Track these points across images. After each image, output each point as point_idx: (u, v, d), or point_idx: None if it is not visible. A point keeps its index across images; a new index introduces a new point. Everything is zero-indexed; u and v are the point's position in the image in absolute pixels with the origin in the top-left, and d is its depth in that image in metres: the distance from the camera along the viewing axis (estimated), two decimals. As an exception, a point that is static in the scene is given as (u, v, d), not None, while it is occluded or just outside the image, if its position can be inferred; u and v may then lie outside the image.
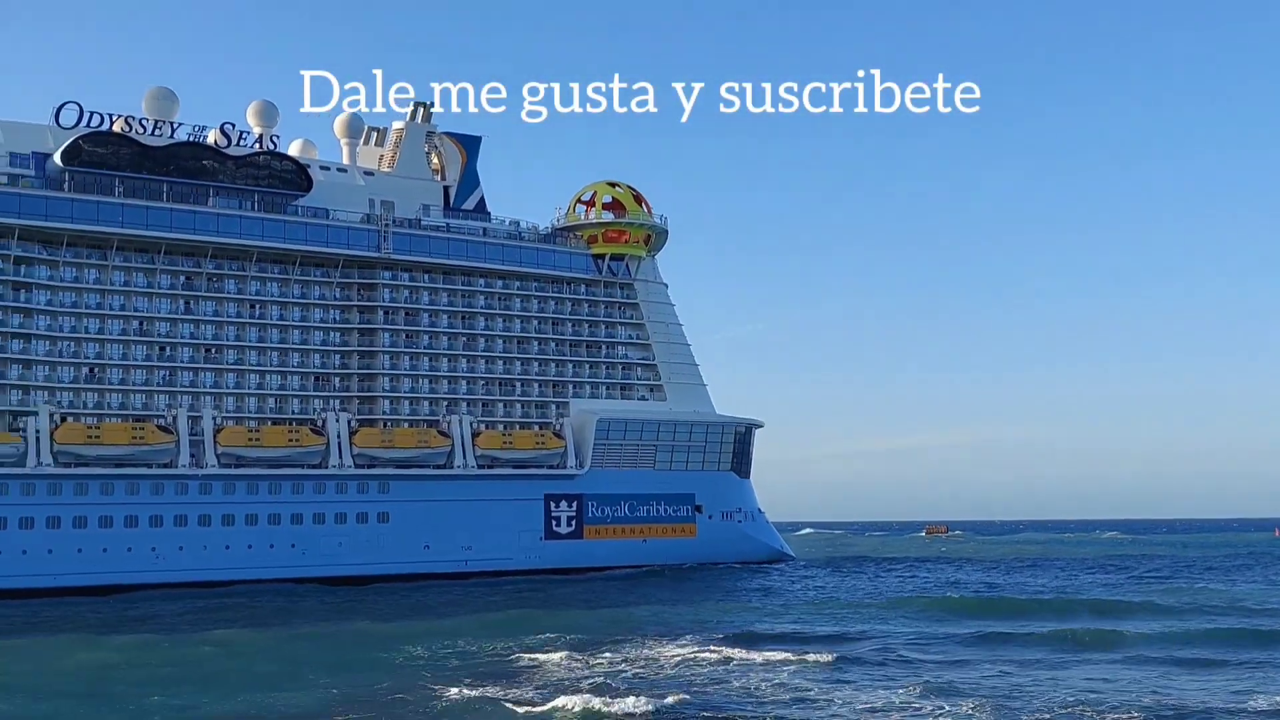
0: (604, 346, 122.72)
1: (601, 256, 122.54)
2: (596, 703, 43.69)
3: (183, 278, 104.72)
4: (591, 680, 49.19)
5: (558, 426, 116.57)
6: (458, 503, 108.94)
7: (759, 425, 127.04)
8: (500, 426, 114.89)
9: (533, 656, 56.06)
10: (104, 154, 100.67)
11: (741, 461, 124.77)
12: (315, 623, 73.52)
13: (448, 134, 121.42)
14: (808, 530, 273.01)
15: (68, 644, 62.48)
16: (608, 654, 56.93)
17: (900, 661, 55.02)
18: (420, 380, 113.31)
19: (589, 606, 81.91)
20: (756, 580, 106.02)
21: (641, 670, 52.34)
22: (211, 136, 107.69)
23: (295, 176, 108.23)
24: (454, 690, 47.30)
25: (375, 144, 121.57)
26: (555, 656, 55.61)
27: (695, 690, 47.05)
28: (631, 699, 44.35)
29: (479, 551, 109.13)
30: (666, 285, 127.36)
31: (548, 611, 77.15)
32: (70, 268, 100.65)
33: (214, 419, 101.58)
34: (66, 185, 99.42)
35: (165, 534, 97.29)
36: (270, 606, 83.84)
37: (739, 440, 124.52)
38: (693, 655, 56.04)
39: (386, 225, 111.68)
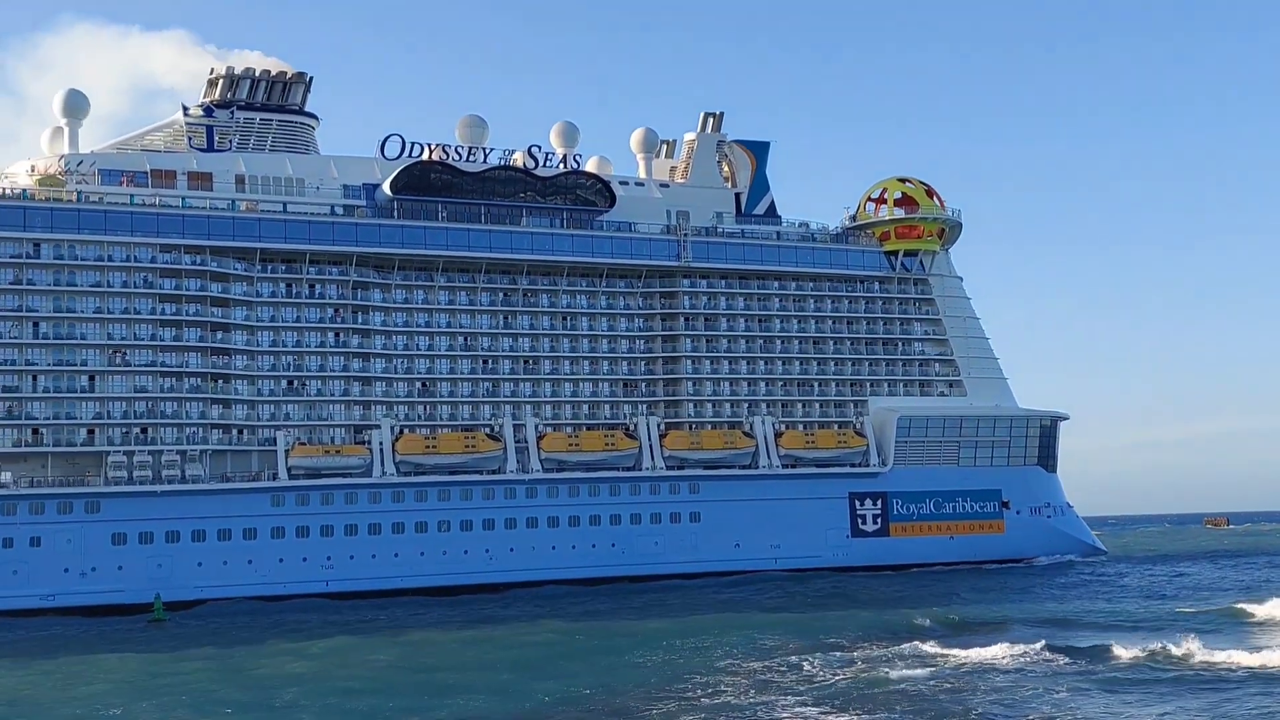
0: (900, 343, 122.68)
1: (894, 253, 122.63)
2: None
3: (501, 294, 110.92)
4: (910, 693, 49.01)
5: (858, 425, 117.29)
6: (765, 502, 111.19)
7: (1064, 418, 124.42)
8: (800, 426, 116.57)
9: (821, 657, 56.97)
10: (427, 182, 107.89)
11: (1048, 455, 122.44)
12: (628, 618, 77.43)
13: (737, 142, 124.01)
14: None
15: (433, 639, 68.12)
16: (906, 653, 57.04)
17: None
18: (721, 383, 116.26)
19: (912, 604, 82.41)
20: (1076, 577, 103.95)
21: (959, 677, 51.60)
22: (519, 159, 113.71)
23: (601, 193, 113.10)
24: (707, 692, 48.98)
25: (666, 156, 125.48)
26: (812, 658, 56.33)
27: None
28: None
29: (787, 549, 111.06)
30: (961, 279, 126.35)
31: (851, 611, 78.36)
32: (401, 290, 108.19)
33: (536, 426, 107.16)
34: (395, 213, 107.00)
35: (497, 536, 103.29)
36: (590, 605, 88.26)
37: (1044, 434, 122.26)
38: (1020, 661, 54.89)
39: (685, 235, 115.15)
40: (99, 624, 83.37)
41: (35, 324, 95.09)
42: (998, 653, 56.72)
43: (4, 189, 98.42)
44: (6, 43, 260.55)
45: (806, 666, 55.04)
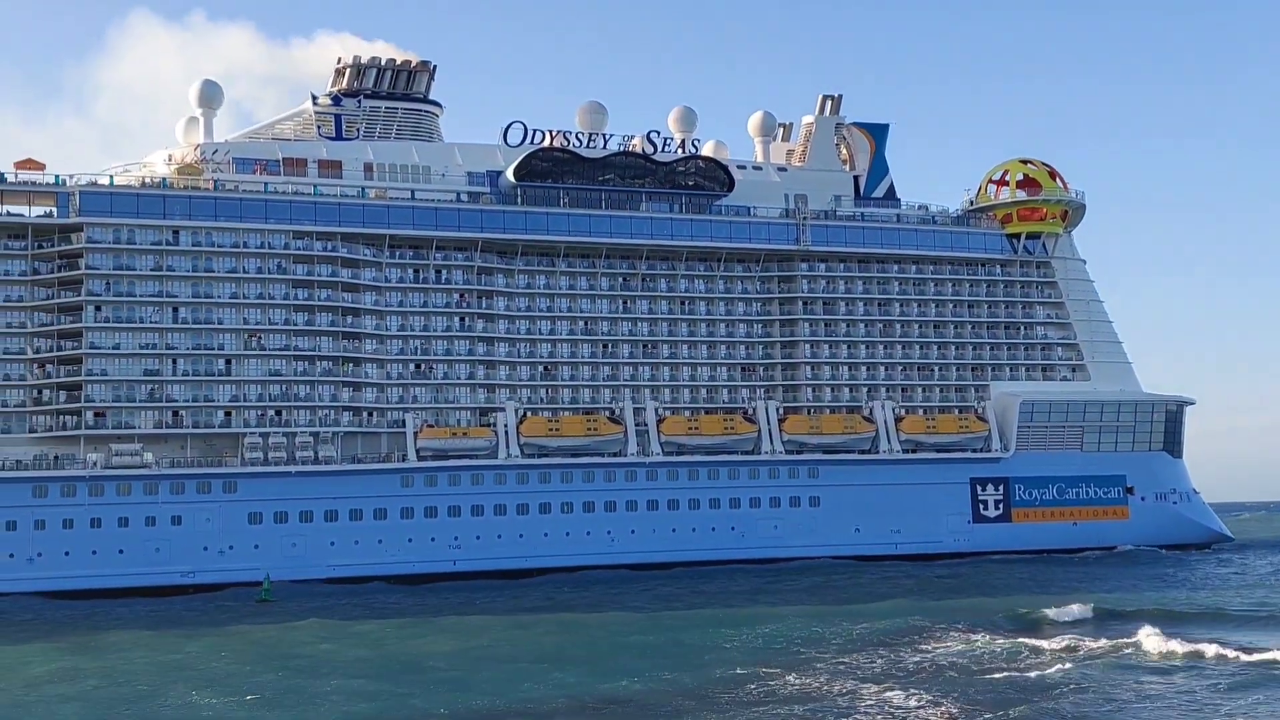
0: (1022, 327, 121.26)
1: (1016, 236, 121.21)
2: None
3: (620, 279, 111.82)
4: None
5: (980, 410, 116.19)
6: (885, 486, 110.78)
7: (1190, 403, 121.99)
8: (921, 411, 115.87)
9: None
10: (550, 168, 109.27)
11: (1173, 441, 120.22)
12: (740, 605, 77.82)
13: (856, 124, 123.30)
14: None
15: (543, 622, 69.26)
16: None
17: None
18: (840, 367, 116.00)
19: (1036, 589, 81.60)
20: (1202, 565, 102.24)
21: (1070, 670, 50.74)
22: (637, 144, 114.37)
23: (719, 178, 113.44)
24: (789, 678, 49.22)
25: (783, 139, 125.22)
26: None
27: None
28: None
29: (908, 534, 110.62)
30: (1085, 261, 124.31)
31: (964, 599, 77.76)
32: (523, 275, 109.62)
33: (656, 410, 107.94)
34: (518, 199, 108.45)
35: (618, 518, 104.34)
36: (703, 587, 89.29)
37: (1170, 419, 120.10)
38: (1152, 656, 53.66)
39: (804, 219, 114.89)
40: (214, 601, 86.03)
41: (175, 309, 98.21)
42: (1109, 646, 55.41)
43: (143, 178, 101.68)
44: (64, 67, 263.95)
45: (903, 655, 54.78)
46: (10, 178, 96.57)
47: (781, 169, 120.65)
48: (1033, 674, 50.00)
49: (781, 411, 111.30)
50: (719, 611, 73.81)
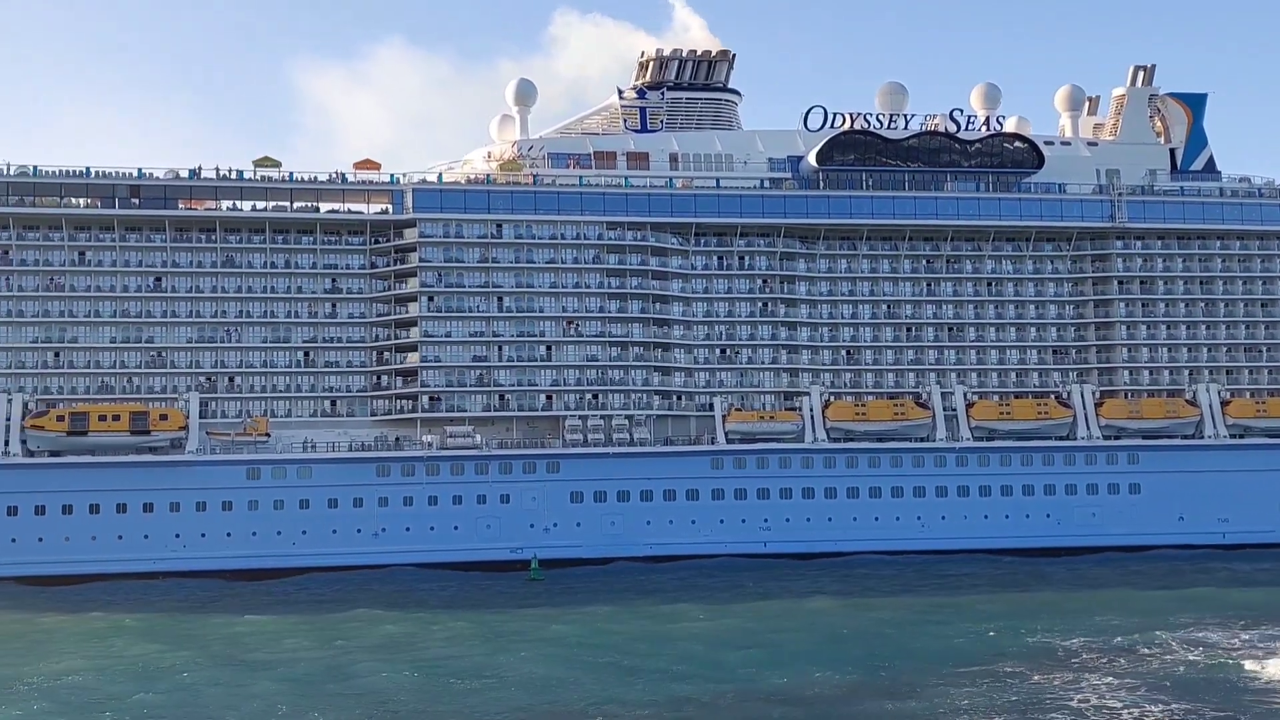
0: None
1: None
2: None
3: (924, 261, 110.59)
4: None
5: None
6: (1211, 473, 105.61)
7: None
8: (1248, 394, 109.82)
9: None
10: (851, 151, 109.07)
11: None
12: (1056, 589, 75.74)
13: (1171, 95, 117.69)
14: None
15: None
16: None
17: None
18: (1159, 349, 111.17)
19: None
20: None
21: None
22: (938, 123, 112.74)
23: (1028, 155, 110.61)
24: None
25: (1089, 113, 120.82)
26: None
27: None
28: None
29: (1236, 523, 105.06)
30: None
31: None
32: (824, 259, 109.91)
33: (965, 394, 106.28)
34: (820, 183, 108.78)
35: (928, 504, 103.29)
36: (1018, 574, 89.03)
37: None
38: None
39: (1120, 194, 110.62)
40: (493, 579, 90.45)
41: (500, 299, 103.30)
42: None
43: (467, 175, 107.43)
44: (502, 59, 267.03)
45: (1164, 654, 52.47)
46: (351, 178, 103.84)
47: (1091, 144, 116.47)
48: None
49: (1098, 395, 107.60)
50: (1008, 597, 72.97)
